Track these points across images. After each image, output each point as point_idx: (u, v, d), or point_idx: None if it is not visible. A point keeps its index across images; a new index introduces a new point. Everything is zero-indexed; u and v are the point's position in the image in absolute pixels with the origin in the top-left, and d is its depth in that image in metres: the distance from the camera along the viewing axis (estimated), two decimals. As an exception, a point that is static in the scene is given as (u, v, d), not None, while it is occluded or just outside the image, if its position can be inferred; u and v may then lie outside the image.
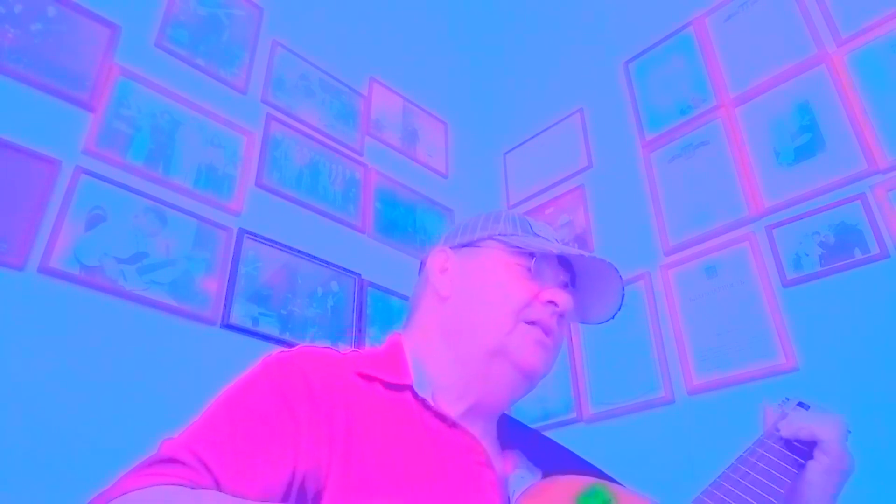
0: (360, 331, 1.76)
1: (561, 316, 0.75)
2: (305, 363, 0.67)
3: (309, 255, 1.75)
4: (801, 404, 0.82)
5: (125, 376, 1.29)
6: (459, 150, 2.49)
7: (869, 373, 1.35)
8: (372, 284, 1.86)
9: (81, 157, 1.43)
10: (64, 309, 1.28)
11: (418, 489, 0.61)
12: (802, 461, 0.72)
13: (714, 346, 1.61)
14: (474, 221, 0.83)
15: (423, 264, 0.85)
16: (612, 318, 0.81)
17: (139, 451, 0.60)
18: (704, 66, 1.94)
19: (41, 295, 1.26)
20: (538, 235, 0.80)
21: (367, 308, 1.82)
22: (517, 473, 0.73)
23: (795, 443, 0.74)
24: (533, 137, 2.40)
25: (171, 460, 0.54)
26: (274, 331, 1.58)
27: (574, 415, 1.79)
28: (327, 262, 1.78)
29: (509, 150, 2.46)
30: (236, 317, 1.52)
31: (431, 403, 0.71)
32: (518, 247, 0.77)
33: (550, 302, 0.74)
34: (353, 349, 1.03)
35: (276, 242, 1.69)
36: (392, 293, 1.89)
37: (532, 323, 0.74)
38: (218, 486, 0.54)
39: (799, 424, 0.74)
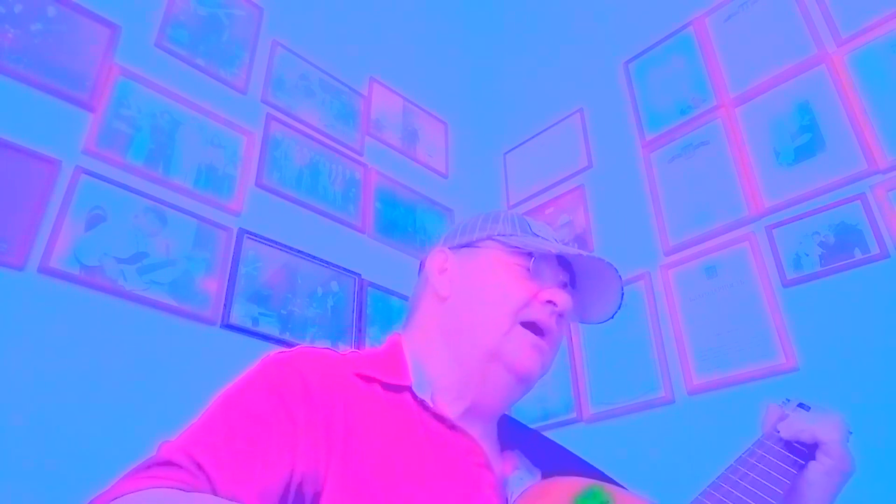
0: (360, 331, 1.76)
1: (560, 316, 0.76)
2: (303, 364, 0.66)
3: (309, 255, 1.75)
4: (801, 405, 0.82)
5: (125, 376, 1.29)
6: (459, 150, 2.49)
7: (869, 373, 1.34)
8: (372, 284, 1.86)
9: (81, 157, 1.43)
10: (64, 309, 1.28)
11: (416, 491, 0.61)
12: (803, 462, 0.72)
13: (714, 346, 1.61)
14: (473, 222, 0.83)
15: (422, 265, 0.85)
16: (612, 317, 0.81)
17: (139, 451, 0.60)
18: (704, 66, 1.94)
19: (41, 295, 1.26)
20: (537, 235, 0.80)
21: (367, 308, 1.82)
22: (516, 474, 0.73)
23: (796, 444, 0.74)
24: (533, 137, 2.40)
25: (168, 463, 0.54)
26: (274, 331, 1.58)
27: (574, 415, 1.79)
28: (327, 262, 1.78)
29: (509, 150, 2.46)
30: (236, 317, 1.52)
31: (430, 405, 0.71)
32: (517, 247, 0.77)
33: (549, 302, 0.74)
34: (352, 349, 1.03)
35: (276, 242, 1.69)
36: (392, 293, 1.89)
37: (531, 324, 0.74)
38: (214, 489, 0.54)
39: (800, 426, 0.74)
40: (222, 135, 1.72)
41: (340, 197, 1.93)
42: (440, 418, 0.70)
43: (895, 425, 1.27)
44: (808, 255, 1.53)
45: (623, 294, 0.79)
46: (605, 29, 2.33)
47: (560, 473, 0.69)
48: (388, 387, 0.71)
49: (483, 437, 0.73)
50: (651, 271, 1.82)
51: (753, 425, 0.82)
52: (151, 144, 1.56)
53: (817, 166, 1.60)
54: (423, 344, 0.77)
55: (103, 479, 0.54)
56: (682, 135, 1.91)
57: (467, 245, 0.81)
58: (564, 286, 0.79)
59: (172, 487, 0.52)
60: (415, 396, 0.71)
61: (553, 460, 0.76)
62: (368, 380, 0.70)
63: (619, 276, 0.78)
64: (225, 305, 1.52)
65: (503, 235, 0.79)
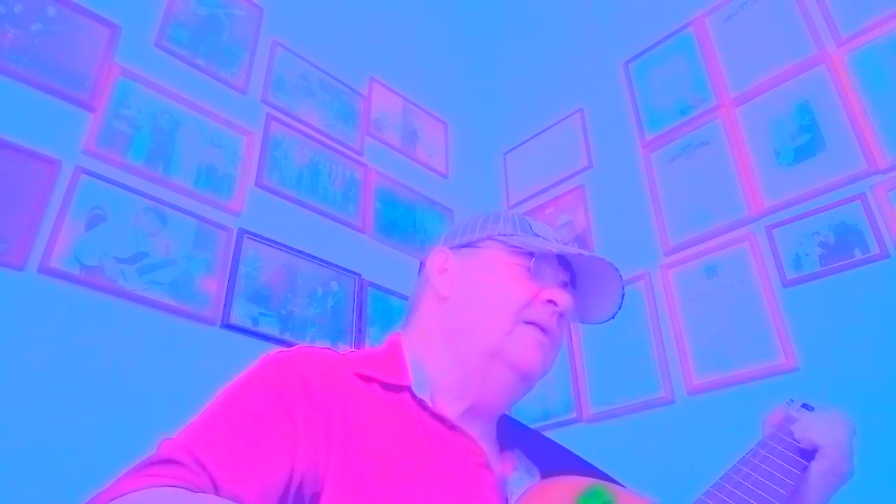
0: (360, 331, 1.76)
1: (561, 315, 0.75)
2: (303, 363, 0.66)
3: (309, 255, 1.75)
4: (805, 406, 0.82)
5: (125, 376, 1.29)
6: (459, 150, 2.49)
7: (869, 373, 1.34)
8: (372, 284, 1.86)
9: (81, 157, 1.43)
10: (64, 309, 1.28)
11: (416, 491, 0.61)
12: (805, 462, 0.72)
13: (714, 346, 1.61)
14: (473, 222, 0.83)
15: (422, 265, 0.85)
16: (612, 317, 0.81)
17: (139, 450, 0.60)
18: (704, 66, 1.94)
19: (41, 295, 1.26)
20: (538, 235, 0.80)
21: (367, 308, 1.82)
22: (516, 474, 0.73)
23: (799, 444, 0.74)
24: (533, 137, 2.40)
25: (169, 461, 0.54)
26: (274, 331, 1.58)
27: (574, 415, 1.79)
28: (327, 262, 1.78)
29: (509, 150, 2.46)
30: (236, 317, 1.52)
31: (430, 404, 0.71)
32: (517, 246, 0.77)
33: (550, 301, 0.74)
34: (352, 349, 1.03)
35: (276, 242, 1.69)
36: (392, 293, 1.89)
37: (531, 323, 0.73)
38: (215, 487, 0.53)
39: (800, 435, 0.74)
40: (222, 135, 1.72)
41: (340, 197, 1.93)
42: (440, 418, 0.70)
43: (895, 425, 1.27)
44: (808, 255, 1.53)
45: (624, 294, 0.79)
46: (605, 29, 2.33)
47: (560, 473, 0.69)
48: (387, 387, 0.71)
49: (483, 437, 0.73)
50: (651, 271, 1.82)
51: (753, 425, 0.82)
52: (151, 144, 1.56)
53: (817, 166, 1.60)
54: (423, 344, 0.77)
55: (103, 479, 0.54)
56: (682, 135, 1.91)
57: (468, 245, 0.80)
58: (565, 286, 0.79)
59: (175, 486, 0.52)
60: (414, 396, 0.71)
61: (553, 460, 0.76)
62: (368, 379, 0.70)
63: (620, 276, 0.78)
64: (225, 305, 1.52)
65: (504, 235, 0.79)
